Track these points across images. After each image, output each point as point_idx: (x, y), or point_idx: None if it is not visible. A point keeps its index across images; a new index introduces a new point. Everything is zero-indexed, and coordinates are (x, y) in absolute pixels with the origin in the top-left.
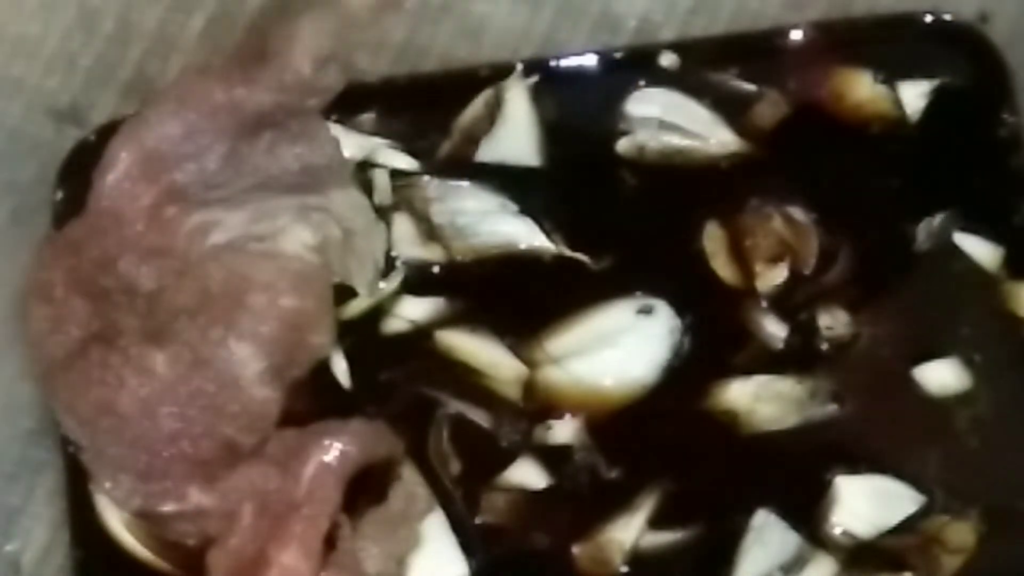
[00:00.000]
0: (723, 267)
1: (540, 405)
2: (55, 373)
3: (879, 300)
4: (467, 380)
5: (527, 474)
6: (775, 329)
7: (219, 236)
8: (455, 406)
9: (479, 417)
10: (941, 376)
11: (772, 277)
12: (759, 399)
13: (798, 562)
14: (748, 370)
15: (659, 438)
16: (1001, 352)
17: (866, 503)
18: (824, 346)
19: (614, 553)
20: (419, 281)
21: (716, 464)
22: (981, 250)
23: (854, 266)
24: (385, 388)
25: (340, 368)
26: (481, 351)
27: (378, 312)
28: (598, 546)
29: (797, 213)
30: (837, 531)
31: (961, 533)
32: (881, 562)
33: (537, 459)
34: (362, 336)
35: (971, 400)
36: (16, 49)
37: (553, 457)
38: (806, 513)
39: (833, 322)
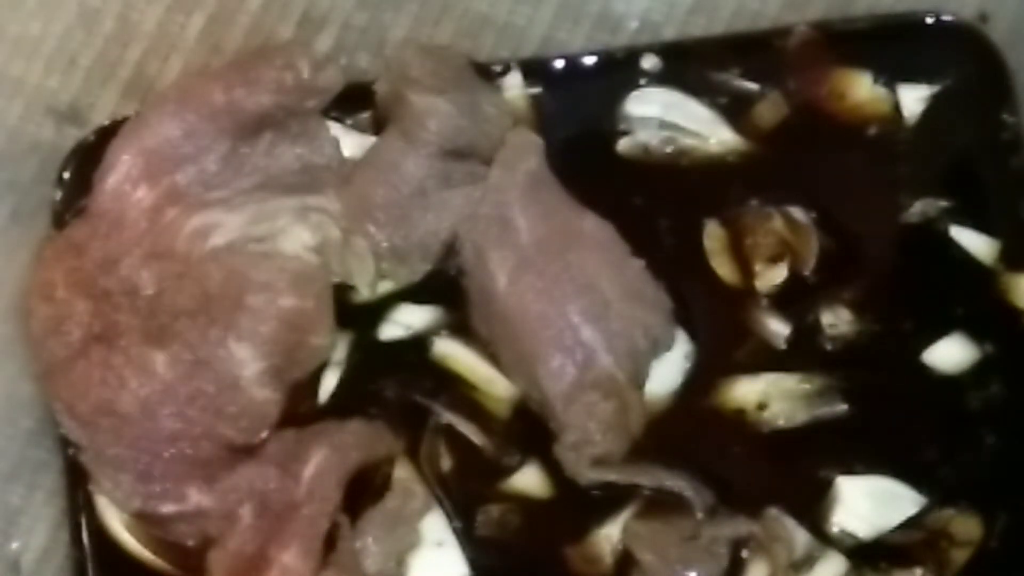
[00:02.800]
0: (723, 266)
1: (529, 426)
2: (56, 373)
3: (881, 297)
4: (461, 392)
5: (522, 481)
6: (777, 328)
7: (219, 238)
8: (447, 417)
9: (469, 431)
10: (950, 353)
11: (772, 276)
12: (768, 396)
13: (808, 560)
14: (753, 369)
15: (666, 436)
16: (1005, 341)
17: (869, 503)
18: (829, 345)
19: (604, 552)
20: (418, 288)
21: (724, 461)
22: (979, 244)
23: (855, 265)
24: (380, 394)
25: (334, 373)
26: (478, 366)
27: (376, 317)
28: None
29: (797, 213)
30: (840, 529)
31: (967, 526)
32: (890, 559)
33: (531, 466)
34: (360, 341)
35: (982, 381)
36: (16, 49)
37: (548, 464)
38: (815, 511)
39: (836, 320)
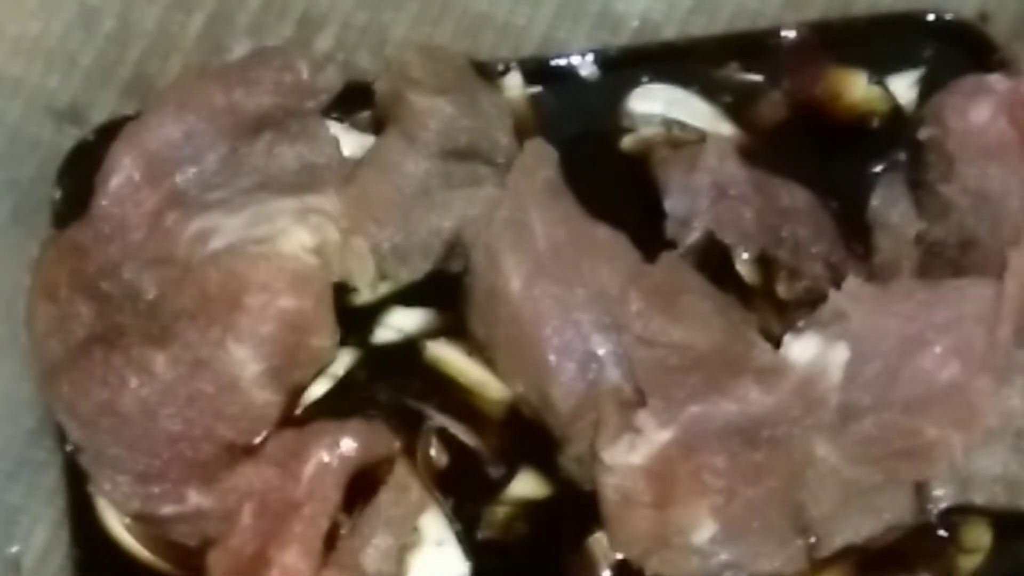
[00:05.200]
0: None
1: (523, 429)
2: (57, 372)
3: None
4: (454, 395)
5: (518, 482)
6: (779, 329)
7: (219, 241)
8: (440, 420)
9: (462, 433)
10: None
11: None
12: None
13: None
14: None
15: None
16: None
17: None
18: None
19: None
20: (411, 290)
21: None
22: None
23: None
24: (374, 398)
25: (327, 379)
26: (471, 369)
27: (369, 322)
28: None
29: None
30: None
31: (976, 533)
32: (896, 564)
33: (528, 468)
34: (352, 345)
35: None
36: (16, 49)
37: (544, 465)
38: None
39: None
